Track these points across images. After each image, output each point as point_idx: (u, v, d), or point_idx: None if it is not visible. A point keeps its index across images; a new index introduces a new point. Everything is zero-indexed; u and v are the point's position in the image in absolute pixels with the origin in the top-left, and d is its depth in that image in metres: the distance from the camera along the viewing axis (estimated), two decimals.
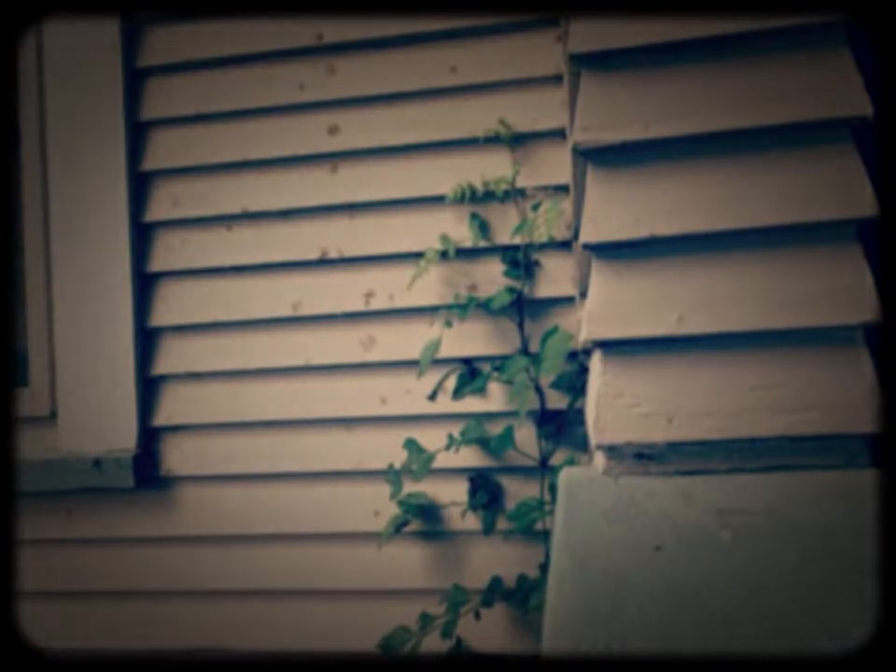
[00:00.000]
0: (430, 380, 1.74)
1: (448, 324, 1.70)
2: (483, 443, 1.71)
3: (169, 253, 1.89)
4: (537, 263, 1.72)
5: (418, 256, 1.72)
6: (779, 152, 1.15)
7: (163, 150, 1.89)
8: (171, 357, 1.88)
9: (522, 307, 1.70)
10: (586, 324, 1.19)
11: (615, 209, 1.18)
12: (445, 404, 1.74)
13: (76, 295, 1.88)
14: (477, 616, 1.66)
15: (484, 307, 1.70)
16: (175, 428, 1.88)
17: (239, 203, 1.85)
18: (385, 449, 1.76)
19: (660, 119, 1.17)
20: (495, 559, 1.72)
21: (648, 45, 1.18)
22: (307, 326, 1.83)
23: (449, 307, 1.70)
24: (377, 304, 1.79)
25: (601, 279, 1.19)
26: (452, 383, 1.74)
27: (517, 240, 1.71)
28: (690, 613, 0.98)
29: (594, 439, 1.17)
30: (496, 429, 1.71)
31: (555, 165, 1.70)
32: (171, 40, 1.87)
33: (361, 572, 1.78)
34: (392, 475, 1.71)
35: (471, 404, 1.73)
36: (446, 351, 1.72)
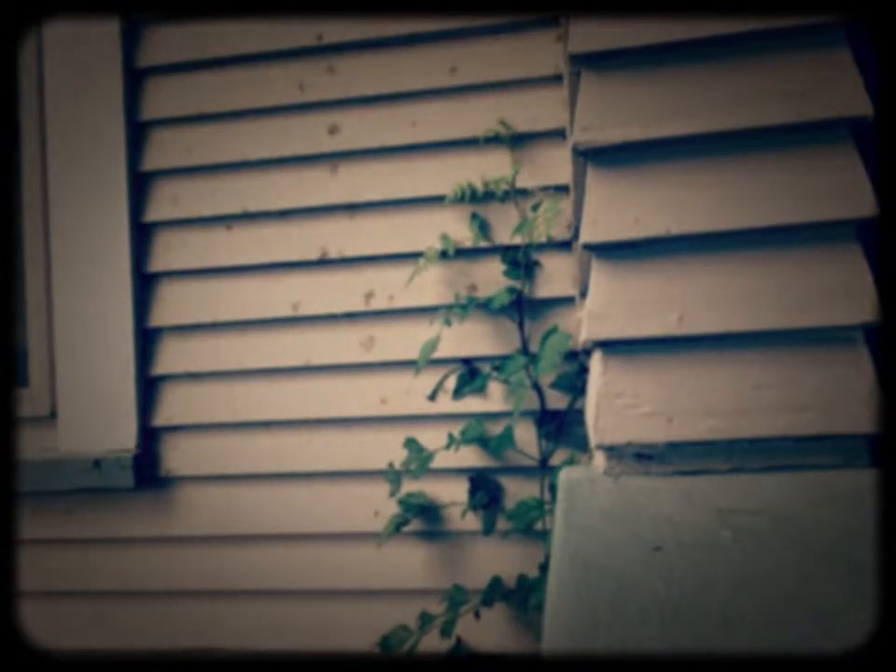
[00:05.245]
0: (430, 380, 1.74)
1: (447, 322, 1.70)
2: (483, 443, 1.71)
3: (169, 253, 1.89)
4: (537, 263, 1.72)
5: (418, 256, 1.72)
6: (779, 152, 1.15)
7: (163, 150, 1.89)
8: (171, 358, 1.88)
9: (522, 307, 1.70)
10: (586, 324, 1.19)
11: (615, 209, 1.18)
12: (445, 404, 1.74)
13: (76, 295, 1.88)
14: (477, 616, 1.66)
15: (484, 307, 1.70)
16: (175, 429, 1.88)
17: (239, 203, 1.85)
18: (385, 449, 1.76)
19: (660, 119, 1.17)
20: (495, 559, 1.72)
21: (647, 45, 1.18)
22: (307, 326, 1.83)
23: (449, 307, 1.70)
24: (377, 304, 1.79)
25: (601, 279, 1.19)
26: (452, 383, 1.74)
27: (517, 240, 1.71)
28: (690, 613, 0.98)
29: (594, 439, 1.17)
30: (496, 429, 1.71)
31: (555, 165, 1.70)
32: (171, 40, 1.87)
33: (361, 572, 1.78)
34: (391, 473, 1.71)
35: (471, 404, 1.74)
36: (446, 351, 1.72)
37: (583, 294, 1.49)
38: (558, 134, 1.71)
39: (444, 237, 1.74)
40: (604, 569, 1.04)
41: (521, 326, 1.70)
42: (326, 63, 1.81)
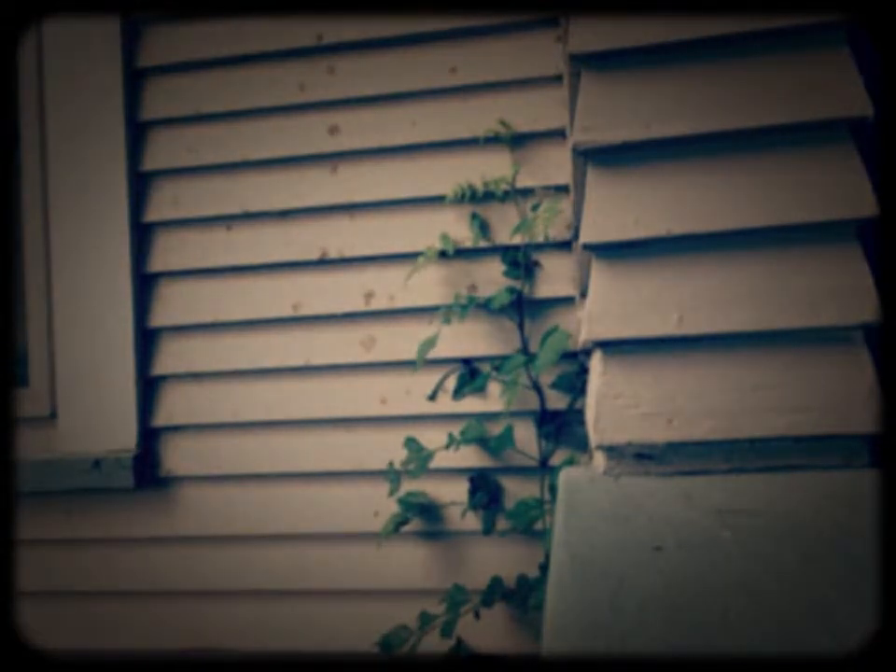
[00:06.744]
0: (430, 380, 1.74)
1: (447, 320, 1.70)
2: (483, 443, 1.71)
3: (169, 253, 1.89)
4: (537, 263, 1.72)
5: (418, 256, 1.72)
6: (779, 152, 1.15)
7: (163, 150, 1.89)
8: (170, 358, 1.88)
9: (522, 307, 1.70)
10: (586, 324, 1.19)
11: (615, 209, 1.18)
12: (445, 404, 1.74)
13: (76, 295, 1.88)
14: (477, 616, 1.66)
15: (484, 307, 1.70)
16: (175, 429, 1.88)
17: (239, 203, 1.85)
18: (385, 449, 1.76)
19: (660, 119, 1.17)
20: (495, 559, 1.72)
21: (648, 45, 1.18)
22: (307, 326, 1.83)
23: (449, 307, 1.70)
24: (377, 304, 1.79)
25: (601, 279, 1.19)
26: (452, 383, 1.74)
27: (517, 240, 1.71)
28: (690, 613, 0.98)
29: (594, 439, 1.17)
30: (496, 429, 1.71)
31: (555, 165, 1.70)
32: (171, 40, 1.87)
33: (361, 572, 1.78)
34: (391, 473, 1.71)
35: (471, 404, 1.73)
36: (447, 351, 1.72)
37: (583, 294, 1.49)
38: (558, 134, 1.71)
39: (444, 237, 1.74)
40: (604, 569, 1.04)
41: (521, 326, 1.70)
42: (326, 62, 1.81)
